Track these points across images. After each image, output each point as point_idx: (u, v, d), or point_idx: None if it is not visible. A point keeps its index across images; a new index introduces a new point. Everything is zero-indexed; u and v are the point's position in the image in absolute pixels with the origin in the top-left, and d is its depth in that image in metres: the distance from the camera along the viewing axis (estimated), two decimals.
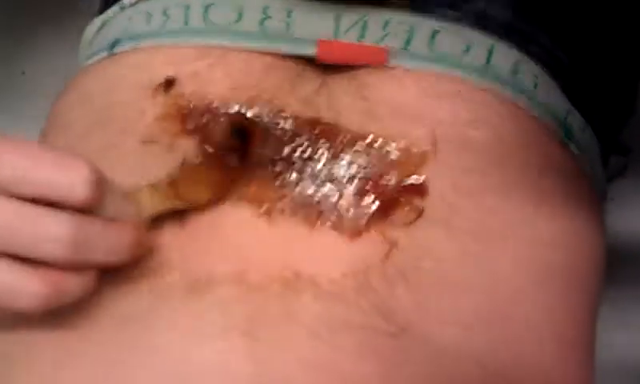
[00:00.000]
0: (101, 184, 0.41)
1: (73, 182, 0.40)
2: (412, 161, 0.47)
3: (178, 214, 0.46)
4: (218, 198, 0.46)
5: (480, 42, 0.50)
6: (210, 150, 0.47)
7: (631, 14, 0.58)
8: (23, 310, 0.40)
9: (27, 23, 0.81)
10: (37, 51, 0.80)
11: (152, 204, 0.45)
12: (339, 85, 0.50)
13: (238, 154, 0.47)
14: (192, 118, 0.49)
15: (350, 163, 0.48)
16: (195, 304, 0.43)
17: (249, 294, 0.44)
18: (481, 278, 0.46)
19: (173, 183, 0.46)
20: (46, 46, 0.80)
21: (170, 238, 0.46)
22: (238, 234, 0.46)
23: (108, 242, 0.41)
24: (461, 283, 0.46)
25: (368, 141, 0.48)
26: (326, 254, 0.45)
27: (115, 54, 0.53)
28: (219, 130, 0.48)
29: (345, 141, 0.48)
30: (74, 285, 0.41)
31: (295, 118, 0.48)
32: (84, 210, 0.40)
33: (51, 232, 0.39)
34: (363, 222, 0.46)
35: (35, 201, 0.40)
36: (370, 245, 0.46)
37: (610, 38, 0.57)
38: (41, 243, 0.39)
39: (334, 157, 0.48)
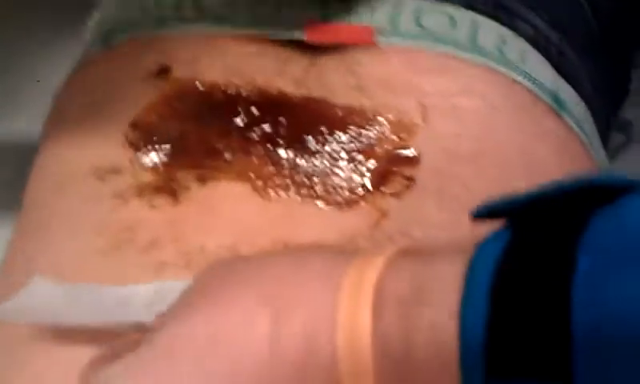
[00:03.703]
0: None
1: None
2: (402, 132, 0.48)
3: (170, 191, 0.47)
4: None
5: (465, 18, 0.51)
6: None
7: None
8: None
9: (42, 32, 0.84)
10: (51, 60, 0.82)
11: None
12: (328, 63, 0.51)
13: None
14: (186, 102, 0.50)
15: (342, 138, 0.48)
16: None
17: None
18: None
19: None
20: (61, 55, 0.82)
21: (162, 214, 0.47)
22: (231, 209, 0.47)
23: None
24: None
25: (359, 114, 0.49)
26: (317, 225, 0.46)
27: (111, 46, 0.55)
28: None
29: (337, 116, 0.49)
30: None
31: (286, 96, 0.49)
32: None
33: None
34: (355, 193, 0.47)
35: None
36: (361, 215, 0.46)
37: (601, 17, 0.57)
38: None
39: (327, 132, 0.49)
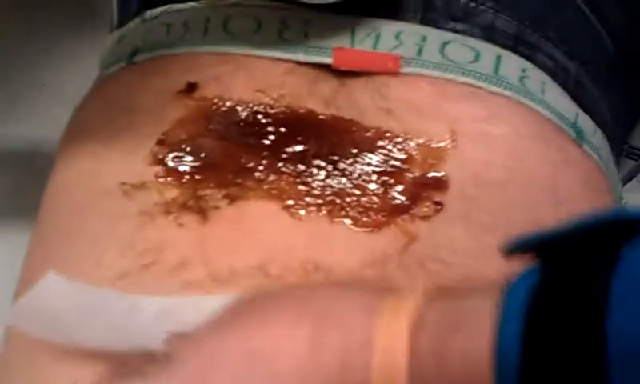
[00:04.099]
0: None
1: None
2: (432, 156, 0.49)
3: (198, 210, 0.47)
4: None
5: (488, 51, 0.52)
6: None
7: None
8: None
9: (47, 38, 0.83)
10: (56, 64, 0.81)
11: None
12: (357, 85, 0.51)
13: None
14: (215, 120, 0.50)
15: (372, 159, 0.49)
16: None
17: (270, 286, 0.44)
18: (499, 274, 0.47)
19: None
20: (65, 60, 0.82)
21: (191, 233, 0.46)
22: (260, 229, 0.47)
23: None
24: (480, 278, 0.46)
25: (389, 137, 0.49)
26: (346, 246, 0.46)
27: (135, 63, 0.55)
28: None
29: (367, 137, 0.49)
30: None
31: (316, 116, 0.50)
32: None
33: None
34: (384, 216, 0.47)
35: None
36: (390, 238, 0.47)
37: (619, 43, 0.58)
38: None
39: (357, 153, 0.49)
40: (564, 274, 0.30)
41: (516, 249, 0.33)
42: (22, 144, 0.75)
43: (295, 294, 0.38)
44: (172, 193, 0.48)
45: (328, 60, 0.52)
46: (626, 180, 0.62)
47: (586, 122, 0.54)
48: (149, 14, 0.58)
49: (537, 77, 0.52)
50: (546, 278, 0.30)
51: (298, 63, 0.52)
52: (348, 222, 0.47)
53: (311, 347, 0.35)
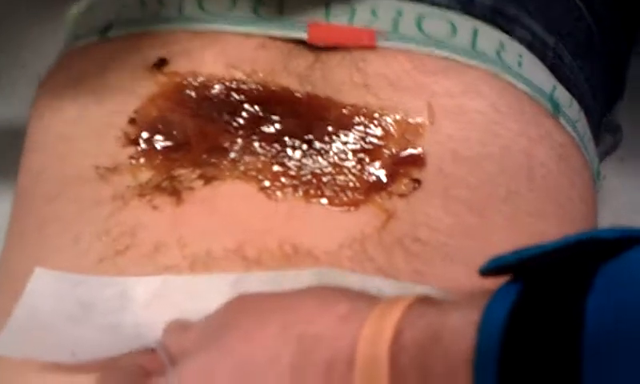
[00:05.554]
0: None
1: None
2: (409, 132, 0.48)
3: (172, 191, 0.46)
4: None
5: (465, 24, 0.51)
6: None
7: None
8: None
9: (27, 18, 0.82)
10: (37, 45, 0.80)
11: None
12: (333, 59, 0.50)
13: None
14: (187, 96, 0.49)
15: (348, 137, 0.48)
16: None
17: (248, 269, 0.44)
18: (476, 249, 0.46)
19: None
20: (46, 40, 0.81)
21: (166, 216, 0.46)
22: (237, 210, 0.46)
23: None
24: (457, 254, 0.46)
25: (365, 114, 0.48)
26: (324, 226, 0.46)
27: (108, 39, 0.54)
28: None
29: (343, 115, 0.48)
30: None
31: (291, 93, 0.49)
32: None
33: None
34: (361, 194, 0.46)
35: None
36: (368, 216, 0.46)
37: (598, 18, 0.57)
38: None
39: (333, 131, 0.48)
40: (540, 298, 0.31)
41: (493, 269, 0.34)
42: (4, 124, 0.75)
43: (282, 304, 0.38)
44: (145, 175, 0.47)
45: (303, 35, 0.51)
46: (604, 154, 0.61)
47: (562, 95, 0.53)
48: None
49: (514, 50, 0.52)
50: (523, 299, 0.31)
51: (271, 38, 0.51)
52: (325, 201, 0.46)
53: (296, 364, 0.35)
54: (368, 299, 0.37)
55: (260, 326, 0.37)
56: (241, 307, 0.39)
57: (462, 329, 0.32)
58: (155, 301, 0.43)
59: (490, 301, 0.32)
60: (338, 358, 0.35)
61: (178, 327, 0.41)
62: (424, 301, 0.36)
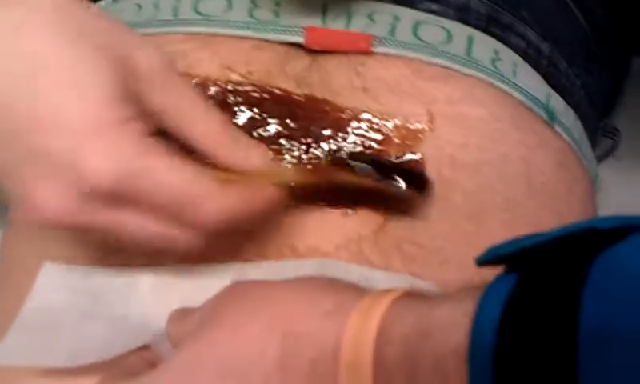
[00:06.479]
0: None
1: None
2: (409, 137, 0.48)
3: None
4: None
5: (460, 32, 0.51)
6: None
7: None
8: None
9: None
10: None
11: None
12: (330, 63, 0.50)
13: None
14: None
15: (347, 141, 0.47)
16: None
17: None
18: (473, 255, 0.46)
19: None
20: None
21: None
22: None
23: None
24: (454, 259, 0.46)
25: (365, 118, 0.48)
26: (322, 228, 0.46)
27: None
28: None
29: (341, 118, 0.48)
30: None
31: (289, 95, 0.48)
32: None
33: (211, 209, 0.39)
34: (359, 197, 0.46)
35: None
36: (365, 219, 0.46)
37: (595, 24, 0.57)
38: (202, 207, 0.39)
39: (331, 135, 0.48)
40: (537, 287, 0.31)
41: (490, 259, 0.34)
42: None
43: (270, 297, 0.38)
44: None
45: (299, 39, 0.50)
46: (602, 157, 0.62)
47: (557, 103, 0.53)
48: None
49: (509, 58, 0.52)
50: (520, 289, 0.31)
51: (267, 40, 0.51)
52: (322, 205, 0.46)
53: (281, 366, 0.36)
54: (355, 292, 0.37)
55: (247, 320, 0.37)
56: (232, 296, 0.39)
57: (453, 321, 0.32)
58: (160, 290, 0.44)
59: (485, 292, 0.32)
60: (322, 356, 0.35)
61: (181, 315, 0.42)
62: (412, 294, 0.36)
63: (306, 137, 0.47)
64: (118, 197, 0.38)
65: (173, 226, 0.39)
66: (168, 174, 0.38)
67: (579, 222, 0.32)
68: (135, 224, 0.39)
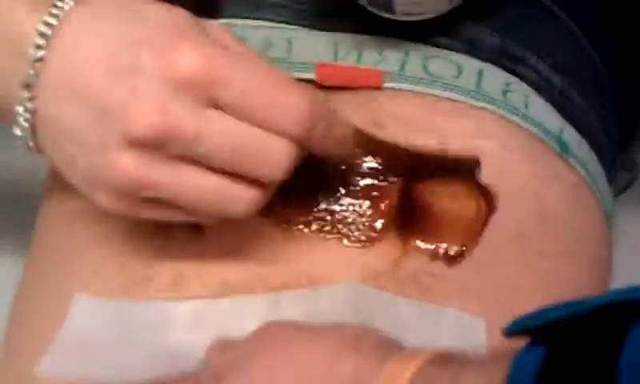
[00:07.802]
0: (314, 119, 0.41)
1: (291, 118, 0.40)
2: None
3: (192, 226, 0.47)
4: None
5: (470, 66, 0.52)
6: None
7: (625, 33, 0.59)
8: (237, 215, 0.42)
9: None
10: None
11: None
12: (343, 99, 0.51)
13: None
14: None
15: (363, 176, 0.48)
16: None
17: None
18: (489, 285, 0.47)
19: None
20: None
21: (186, 248, 0.47)
22: (254, 244, 0.47)
23: None
24: (470, 289, 0.47)
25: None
26: (339, 262, 0.46)
27: None
28: None
29: (357, 153, 0.49)
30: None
31: None
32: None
33: (274, 157, 0.40)
34: (376, 231, 0.47)
35: None
36: (382, 253, 0.47)
37: (606, 56, 0.58)
38: (264, 164, 0.40)
39: (348, 171, 0.49)
40: (569, 360, 0.30)
41: (517, 330, 0.33)
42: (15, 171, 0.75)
43: (299, 354, 0.39)
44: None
45: (311, 76, 0.51)
46: (621, 191, 0.62)
47: (571, 135, 0.54)
48: None
49: (520, 90, 0.52)
50: (551, 361, 0.30)
51: None
52: (340, 238, 0.47)
53: None
54: (378, 355, 0.37)
55: (280, 373, 0.38)
56: (266, 338, 0.40)
57: None
58: (197, 322, 0.44)
59: (514, 365, 0.31)
60: None
61: (221, 346, 0.42)
62: (437, 361, 0.35)
63: (321, 171, 0.48)
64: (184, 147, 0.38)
65: (236, 182, 0.40)
66: None
67: (614, 292, 0.31)
68: (197, 180, 0.40)
